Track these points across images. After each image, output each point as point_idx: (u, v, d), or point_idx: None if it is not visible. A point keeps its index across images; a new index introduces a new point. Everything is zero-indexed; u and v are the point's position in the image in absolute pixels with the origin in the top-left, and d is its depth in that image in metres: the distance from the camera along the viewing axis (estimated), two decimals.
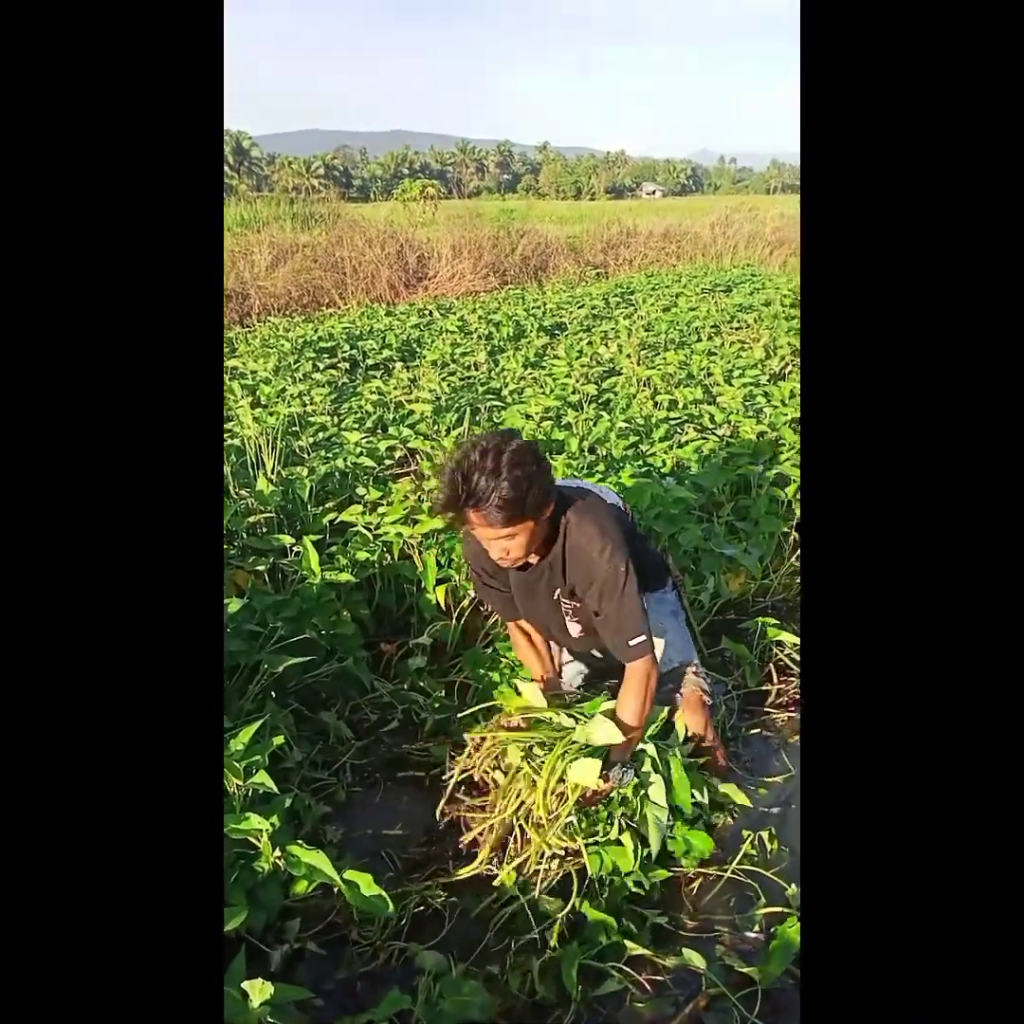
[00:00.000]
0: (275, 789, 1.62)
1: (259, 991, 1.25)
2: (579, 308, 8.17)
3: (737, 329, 7.12)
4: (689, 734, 1.95)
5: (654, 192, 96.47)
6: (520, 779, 1.81)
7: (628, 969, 1.56)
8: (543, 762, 1.77)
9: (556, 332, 7.03)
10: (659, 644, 1.93)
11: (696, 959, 1.56)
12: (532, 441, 1.70)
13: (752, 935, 1.69)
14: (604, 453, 3.73)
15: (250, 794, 1.65)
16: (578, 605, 1.88)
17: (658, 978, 1.56)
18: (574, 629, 1.96)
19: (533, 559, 1.80)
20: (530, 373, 5.43)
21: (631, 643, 1.74)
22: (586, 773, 1.71)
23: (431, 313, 8.47)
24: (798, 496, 3.24)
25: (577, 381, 5.05)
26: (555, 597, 1.89)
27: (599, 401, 4.75)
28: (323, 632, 2.34)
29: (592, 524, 1.75)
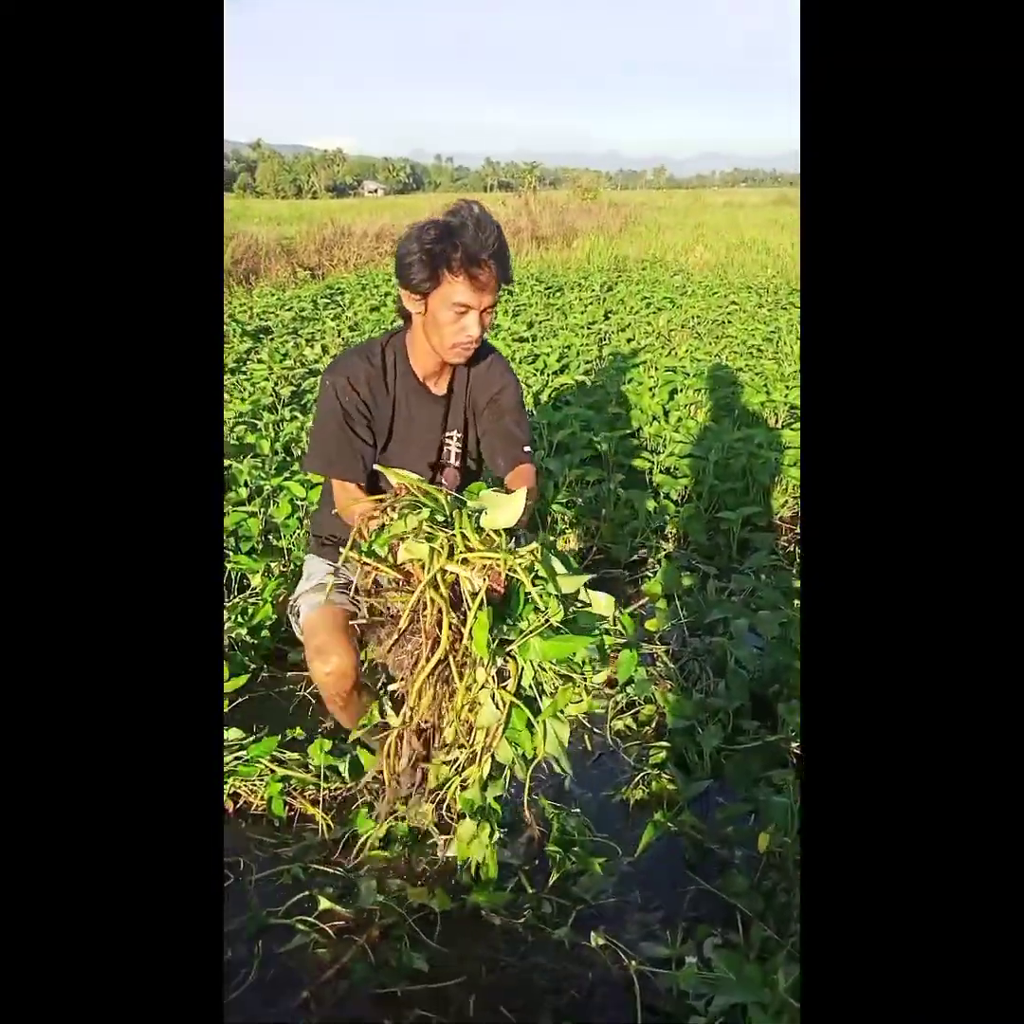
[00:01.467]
0: None
1: None
2: (286, 311, 8.10)
3: None
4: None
5: (376, 190, 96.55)
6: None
7: (313, 920, 1.66)
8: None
9: (260, 336, 6.94)
10: None
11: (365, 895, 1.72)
12: None
13: None
14: (299, 453, 3.83)
15: None
16: (462, 441, 2.00)
17: (339, 923, 1.67)
18: (449, 477, 2.00)
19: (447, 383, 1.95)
20: (229, 380, 5.35)
21: (525, 449, 1.94)
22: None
23: None
24: None
25: (276, 384, 5.07)
26: (442, 434, 1.98)
27: (300, 403, 4.81)
28: None
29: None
